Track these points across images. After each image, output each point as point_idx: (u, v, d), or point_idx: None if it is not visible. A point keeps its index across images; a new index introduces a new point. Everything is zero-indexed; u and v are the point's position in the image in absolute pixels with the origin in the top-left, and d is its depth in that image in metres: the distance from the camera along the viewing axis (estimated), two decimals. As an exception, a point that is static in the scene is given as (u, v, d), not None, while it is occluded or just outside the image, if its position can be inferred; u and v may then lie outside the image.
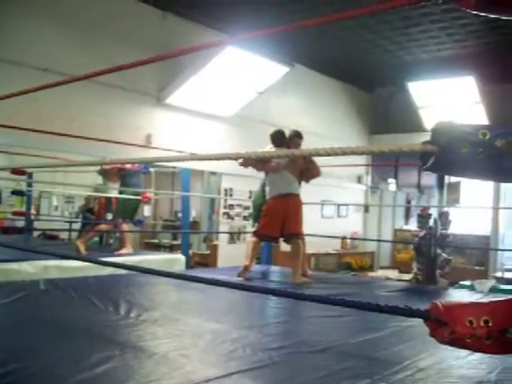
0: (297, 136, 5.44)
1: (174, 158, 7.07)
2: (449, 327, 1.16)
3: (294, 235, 5.38)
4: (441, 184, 13.89)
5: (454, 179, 13.38)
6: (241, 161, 5.27)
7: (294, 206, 5.37)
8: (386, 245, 12.28)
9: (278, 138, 5.36)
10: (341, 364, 2.49)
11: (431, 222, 6.15)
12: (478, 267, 10.07)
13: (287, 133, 5.47)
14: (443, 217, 6.07)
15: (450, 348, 2.94)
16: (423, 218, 6.22)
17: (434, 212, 6.34)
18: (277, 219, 5.29)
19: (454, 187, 13.28)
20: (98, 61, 6.20)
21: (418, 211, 6.47)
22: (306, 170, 5.44)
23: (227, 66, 7.40)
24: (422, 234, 6.15)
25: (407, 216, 13.49)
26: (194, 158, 2.62)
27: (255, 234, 5.43)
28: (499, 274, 8.76)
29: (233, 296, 4.06)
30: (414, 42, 8.69)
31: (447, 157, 1.21)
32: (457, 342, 1.15)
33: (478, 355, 2.77)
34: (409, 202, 13.34)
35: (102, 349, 2.47)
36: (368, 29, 8.13)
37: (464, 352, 2.86)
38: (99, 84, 6.70)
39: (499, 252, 10.13)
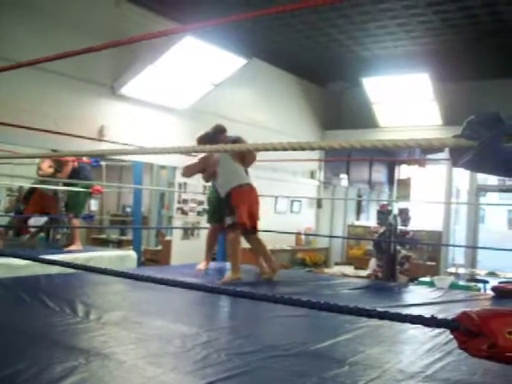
0: (221, 131, 5.45)
1: (124, 151, 6.89)
2: (486, 340, 1.05)
3: (256, 229, 5.32)
4: (391, 180, 14.09)
5: (403, 175, 13.60)
6: (182, 172, 5.49)
7: (256, 199, 5.31)
8: (338, 240, 12.33)
9: (208, 142, 5.30)
10: (320, 369, 2.39)
11: (391, 219, 6.13)
12: (429, 262, 10.21)
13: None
14: (403, 213, 6.07)
15: (424, 349, 2.90)
16: (383, 214, 6.20)
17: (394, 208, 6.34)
18: (249, 209, 5.18)
19: (405, 183, 13.47)
20: (49, 48, 5.90)
21: (375, 207, 6.48)
22: (244, 156, 5.40)
23: (184, 56, 7.22)
24: (381, 230, 6.14)
25: (358, 211, 13.60)
26: (144, 151, 2.49)
27: (236, 226, 5.13)
28: (453, 270, 8.89)
29: (193, 295, 3.93)
30: (371, 38, 8.68)
31: (488, 153, 1.08)
32: (497, 356, 1.04)
33: (455, 357, 2.73)
34: (360, 197, 13.44)
35: (64, 357, 2.28)
36: (327, 22, 8.06)
37: (440, 353, 2.81)
38: (50, 73, 6.41)
39: (450, 247, 10.30)
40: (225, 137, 5.38)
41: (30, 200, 7.51)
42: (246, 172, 5.43)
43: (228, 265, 6.48)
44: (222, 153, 5.30)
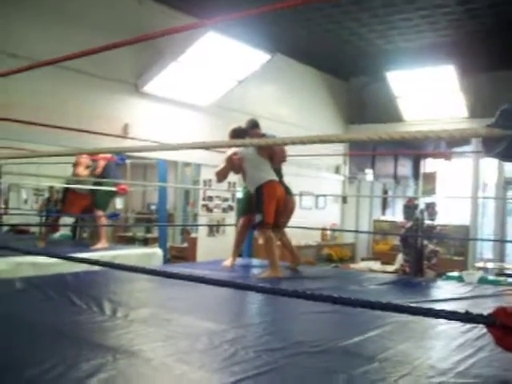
0: (254, 126, 5.43)
1: (148, 147, 6.91)
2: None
3: (283, 226, 5.32)
4: (416, 174, 13.94)
5: (429, 169, 13.45)
6: (216, 179, 5.59)
7: (283, 196, 5.28)
8: (364, 236, 12.25)
9: (239, 136, 5.28)
10: (350, 366, 2.35)
11: (418, 213, 6.05)
12: (457, 257, 10.07)
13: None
14: (430, 208, 5.99)
15: (454, 345, 2.84)
16: (409, 208, 6.13)
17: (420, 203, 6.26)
18: (274, 206, 5.16)
19: (430, 177, 13.32)
20: (72, 47, 5.89)
21: (401, 202, 6.40)
22: (274, 154, 5.36)
23: (208, 52, 7.21)
24: (408, 225, 6.06)
25: (384, 206, 13.48)
26: (169, 147, 2.48)
27: (268, 225, 5.13)
28: (481, 264, 8.76)
29: (220, 292, 3.90)
30: (394, 31, 8.58)
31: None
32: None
33: (487, 353, 2.66)
34: (385, 192, 13.33)
35: (92, 355, 2.27)
36: (349, 15, 7.99)
37: (471, 349, 2.75)
38: (73, 71, 6.45)
39: (478, 242, 10.15)
40: (256, 132, 5.36)
41: (65, 200, 7.55)
42: (278, 171, 5.40)
43: (255, 261, 6.50)
44: (247, 148, 5.28)
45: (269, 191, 5.14)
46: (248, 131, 5.34)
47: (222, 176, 5.58)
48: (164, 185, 8.49)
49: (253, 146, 4.97)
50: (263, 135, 5.37)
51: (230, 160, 5.41)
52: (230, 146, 5.39)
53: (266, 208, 5.07)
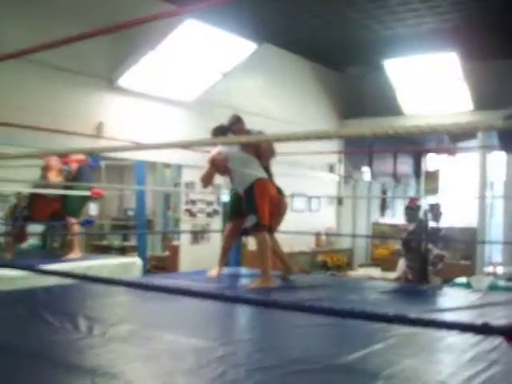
0: (236, 121, 5.45)
1: (125, 148, 6.88)
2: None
3: (274, 231, 5.33)
4: (418, 172, 14.00)
5: (432, 167, 13.51)
6: (201, 185, 5.61)
7: (275, 195, 5.28)
8: (362, 240, 12.27)
9: (222, 134, 5.28)
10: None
11: (421, 215, 6.07)
12: (464, 261, 10.11)
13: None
14: (434, 209, 6.00)
15: (465, 358, 2.84)
16: (412, 210, 6.14)
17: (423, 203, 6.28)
18: (268, 205, 5.15)
19: (433, 175, 13.40)
20: (37, 38, 5.88)
21: (401, 202, 6.41)
22: (261, 151, 5.38)
23: (187, 42, 7.18)
24: (410, 227, 6.07)
25: (383, 208, 13.51)
26: (144, 147, 2.46)
27: (260, 228, 5.10)
28: (490, 269, 8.79)
29: (206, 305, 3.88)
30: (392, 16, 8.59)
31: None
32: None
33: (502, 367, 2.66)
34: (384, 192, 13.36)
35: (68, 379, 2.25)
36: (342, 1, 8.00)
37: (484, 363, 2.75)
38: (40, 65, 6.39)
39: (487, 245, 10.18)
40: (240, 127, 5.35)
41: (32, 206, 7.49)
42: (266, 170, 5.40)
43: (244, 270, 6.49)
44: (230, 147, 5.28)
45: (261, 190, 5.12)
46: (231, 128, 5.33)
47: (207, 180, 5.56)
48: (142, 188, 8.47)
49: (238, 143, 4.97)
50: (248, 131, 5.37)
51: (213, 162, 5.39)
52: (213, 145, 5.39)
53: (259, 209, 5.05)
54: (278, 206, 5.38)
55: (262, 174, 5.24)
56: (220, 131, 5.34)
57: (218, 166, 5.37)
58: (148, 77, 7.49)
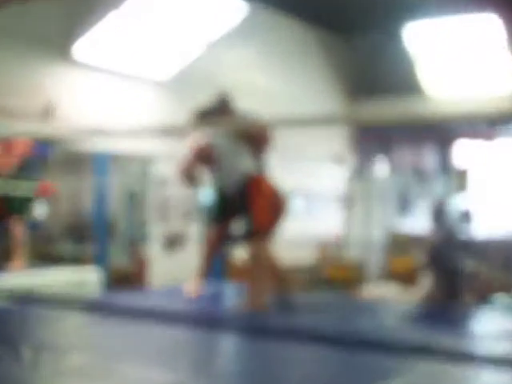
0: (224, 103, 5.33)
1: (81, 134, 6.85)
2: None
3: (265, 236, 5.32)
4: (447, 166, 14.04)
5: (464, 158, 13.55)
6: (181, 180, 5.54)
7: (270, 194, 5.26)
8: (376, 251, 12.29)
9: (207, 117, 5.28)
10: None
11: (451, 220, 6.11)
12: (504, 277, 10.14)
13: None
14: (468, 212, 6.06)
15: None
16: (439, 214, 6.17)
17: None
18: (265, 208, 5.14)
19: (460, 174, 13.45)
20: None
21: (426, 204, 6.39)
22: (256, 138, 5.34)
23: (164, 5, 7.17)
24: (438, 236, 6.10)
25: (403, 211, 13.55)
26: (106, 134, 2.45)
27: (260, 236, 5.09)
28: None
29: (181, 330, 3.88)
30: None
31: None
32: None
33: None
34: (405, 191, 13.40)
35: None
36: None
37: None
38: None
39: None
40: (229, 110, 5.33)
41: None
42: (259, 161, 5.40)
43: (229, 287, 6.48)
44: (217, 132, 5.25)
45: (257, 188, 5.12)
46: (219, 110, 5.30)
47: (188, 175, 5.50)
48: (102, 184, 8.45)
49: (226, 128, 4.95)
50: (239, 115, 5.35)
51: (196, 150, 5.36)
52: (193, 131, 5.37)
53: (256, 211, 5.04)
54: (276, 206, 5.38)
55: (258, 168, 5.24)
56: (204, 115, 5.32)
57: (202, 155, 5.35)
58: (112, 47, 7.48)
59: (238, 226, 5.18)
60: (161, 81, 8.20)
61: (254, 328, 1.90)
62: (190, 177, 5.53)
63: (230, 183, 5.22)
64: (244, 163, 5.20)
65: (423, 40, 9.96)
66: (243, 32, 8.85)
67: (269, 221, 5.25)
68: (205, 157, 5.35)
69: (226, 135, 5.24)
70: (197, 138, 5.37)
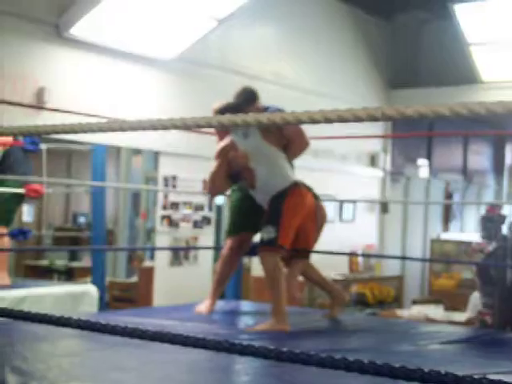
0: (251, 99, 5.32)
1: (77, 126, 6.83)
2: None
3: (308, 254, 5.41)
4: (499, 167, 13.96)
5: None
6: (206, 189, 5.73)
7: (312, 207, 5.26)
8: (416, 265, 12.24)
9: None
10: None
11: (505, 229, 6.05)
12: None
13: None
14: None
15: None
16: (491, 222, 6.11)
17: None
18: (296, 224, 5.13)
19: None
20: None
21: (475, 211, 6.37)
22: (288, 142, 5.33)
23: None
24: (490, 247, 6.05)
25: (448, 218, 13.49)
26: (106, 126, 2.44)
27: (275, 247, 5.05)
28: None
29: (192, 355, 3.85)
30: None
31: None
32: None
33: None
34: (450, 195, 13.35)
35: None
36: None
37: None
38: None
39: None
40: (256, 108, 5.29)
41: None
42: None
43: (246, 305, 6.46)
44: (245, 138, 5.21)
45: (295, 202, 5.09)
46: (245, 108, 5.26)
47: (216, 185, 5.47)
48: (101, 184, 8.44)
49: (253, 127, 4.91)
50: (265, 110, 5.32)
51: (224, 153, 5.32)
52: (212, 127, 5.32)
53: (284, 225, 5.02)
54: (315, 217, 5.37)
55: (295, 177, 5.23)
56: (228, 112, 5.30)
57: (235, 165, 5.31)
58: (112, 24, 7.48)
59: (262, 234, 5.13)
60: (165, 60, 8.18)
61: (274, 352, 1.88)
62: (218, 187, 5.52)
63: (266, 194, 5.18)
64: (284, 171, 5.19)
65: (478, 19, 9.89)
66: (261, 7, 8.83)
67: (316, 238, 5.29)
68: (238, 167, 5.32)
69: (255, 137, 5.21)
70: (226, 142, 5.34)
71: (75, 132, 2.28)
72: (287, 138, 5.27)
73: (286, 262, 5.28)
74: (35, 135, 7.17)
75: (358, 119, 1.73)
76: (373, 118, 1.71)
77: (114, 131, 2.30)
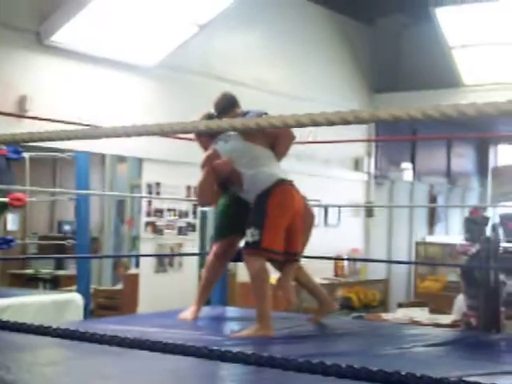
0: (231, 105, 5.37)
1: (59, 133, 6.81)
2: None
3: (298, 257, 5.30)
4: (483, 169, 13.99)
5: (501, 162, 13.50)
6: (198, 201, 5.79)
7: (300, 206, 5.20)
8: (402, 269, 12.24)
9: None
10: None
11: (488, 231, 6.06)
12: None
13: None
14: (508, 222, 6.01)
15: None
16: (475, 224, 6.12)
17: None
18: (284, 224, 5.06)
19: (503, 174, 13.39)
20: None
21: (459, 213, 6.37)
22: (274, 138, 5.31)
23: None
24: (473, 249, 6.05)
25: (432, 221, 13.51)
26: (88, 133, 2.43)
27: (258, 250, 5.01)
28: None
29: (177, 362, 3.83)
30: None
31: None
32: None
33: None
34: (434, 198, 13.36)
35: None
36: None
37: None
38: None
39: None
40: (236, 113, 5.28)
41: None
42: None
43: (231, 311, 6.44)
44: (226, 142, 5.20)
45: (279, 201, 5.03)
46: (224, 115, 5.25)
47: (205, 194, 5.50)
48: (85, 193, 8.41)
49: (233, 131, 4.89)
50: (245, 115, 5.30)
51: (210, 160, 5.29)
52: (194, 132, 5.30)
53: (268, 223, 4.97)
54: (304, 219, 5.34)
55: (283, 175, 5.16)
56: (211, 119, 5.30)
57: (221, 173, 5.29)
58: (92, 31, 7.47)
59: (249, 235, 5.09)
60: (146, 67, 8.17)
61: (257, 358, 1.85)
62: (207, 197, 5.53)
63: (253, 194, 5.15)
64: (269, 169, 5.15)
65: (459, 23, 9.92)
66: (245, 12, 8.82)
67: (306, 238, 5.27)
68: (224, 174, 5.30)
69: (236, 140, 5.19)
70: (209, 152, 5.32)
71: (59, 139, 2.27)
72: (272, 134, 5.25)
73: (279, 266, 5.29)
74: (16, 143, 7.18)
75: (345, 122, 1.73)
76: (362, 122, 1.72)
77: (97, 138, 2.30)
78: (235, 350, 2.02)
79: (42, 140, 3.13)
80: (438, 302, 9.49)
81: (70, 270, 10.94)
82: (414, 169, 12.61)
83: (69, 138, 2.27)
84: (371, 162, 12.05)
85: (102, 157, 10.15)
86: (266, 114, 5.11)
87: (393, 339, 5.17)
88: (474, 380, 1.54)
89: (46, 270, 11.66)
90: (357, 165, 11.86)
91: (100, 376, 3.76)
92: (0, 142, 6.86)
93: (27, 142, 5.06)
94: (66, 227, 12.27)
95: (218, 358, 1.93)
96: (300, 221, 5.19)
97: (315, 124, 1.76)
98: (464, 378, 1.53)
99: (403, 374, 1.38)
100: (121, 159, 10.36)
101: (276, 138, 5.29)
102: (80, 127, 5.77)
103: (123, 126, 2.19)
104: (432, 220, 13.54)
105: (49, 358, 4.21)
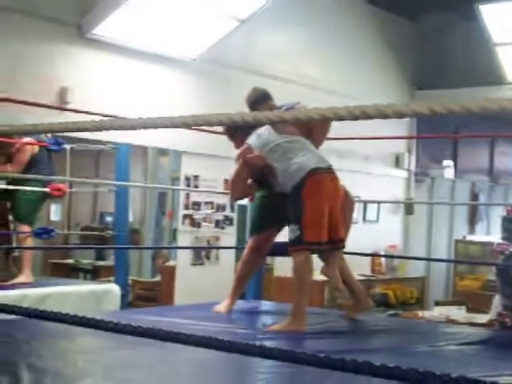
0: (263, 99, 5.39)
1: (101, 125, 6.84)
2: None
3: (342, 244, 5.22)
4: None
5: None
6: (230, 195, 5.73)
7: (338, 192, 5.13)
8: (441, 267, 12.15)
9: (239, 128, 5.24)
10: None
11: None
12: None
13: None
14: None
15: None
16: (512, 223, 6.06)
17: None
18: (323, 213, 4.97)
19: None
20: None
21: (498, 212, 6.30)
22: (310, 129, 5.31)
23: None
24: (510, 249, 6.00)
25: (473, 219, 13.38)
26: (129, 125, 2.43)
27: (307, 246, 4.95)
28: None
29: (209, 355, 3.82)
30: None
31: None
32: None
33: None
34: (476, 197, 13.24)
35: None
36: None
37: None
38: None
39: None
40: (271, 107, 5.27)
41: None
42: None
43: (266, 305, 6.43)
44: (259, 137, 5.18)
45: (314, 189, 4.96)
46: (256, 109, 5.24)
47: (238, 188, 5.52)
48: (123, 184, 8.44)
49: (269, 123, 4.87)
50: (279, 108, 5.28)
51: (244, 154, 5.27)
52: (230, 125, 5.29)
53: (306, 216, 4.93)
54: (343, 204, 5.26)
55: (319, 163, 5.08)
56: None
57: (254, 167, 5.27)
58: (134, 24, 7.49)
59: (288, 234, 5.07)
60: (186, 60, 8.17)
61: (290, 354, 1.84)
62: (239, 191, 5.53)
63: (288, 184, 5.12)
64: (302, 159, 5.10)
65: (503, 20, 9.83)
66: (285, 8, 8.81)
67: (348, 224, 5.25)
68: (257, 167, 5.28)
69: (269, 133, 5.17)
70: (245, 147, 5.29)
71: (99, 130, 2.29)
72: (307, 124, 5.21)
73: (325, 256, 5.23)
74: (59, 133, 7.22)
75: (383, 116, 1.72)
76: (400, 115, 1.71)
77: (135, 129, 2.30)
78: (267, 343, 2.02)
79: (81, 131, 3.17)
80: (476, 301, 9.42)
81: (110, 260, 11.00)
82: (455, 166, 12.51)
83: (109, 130, 2.29)
84: (412, 159, 11.97)
85: (145, 149, 10.19)
86: (298, 103, 5.10)
87: (425, 337, 5.14)
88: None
89: (87, 260, 11.75)
90: (397, 162, 11.79)
91: (130, 365, 3.78)
92: (39, 131, 6.98)
93: (63, 132, 5.09)
94: (108, 218, 12.33)
95: (252, 352, 1.92)
96: (339, 206, 5.12)
97: (353, 117, 1.76)
98: (495, 379, 1.51)
99: (436, 373, 1.36)
100: (162, 152, 10.39)
101: (311, 127, 5.30)
102: (118, 118, 5.80)
103: (150, 118, 2.20)
104: (473, 218, 13.42)
105: (82, 346, 4.24)
